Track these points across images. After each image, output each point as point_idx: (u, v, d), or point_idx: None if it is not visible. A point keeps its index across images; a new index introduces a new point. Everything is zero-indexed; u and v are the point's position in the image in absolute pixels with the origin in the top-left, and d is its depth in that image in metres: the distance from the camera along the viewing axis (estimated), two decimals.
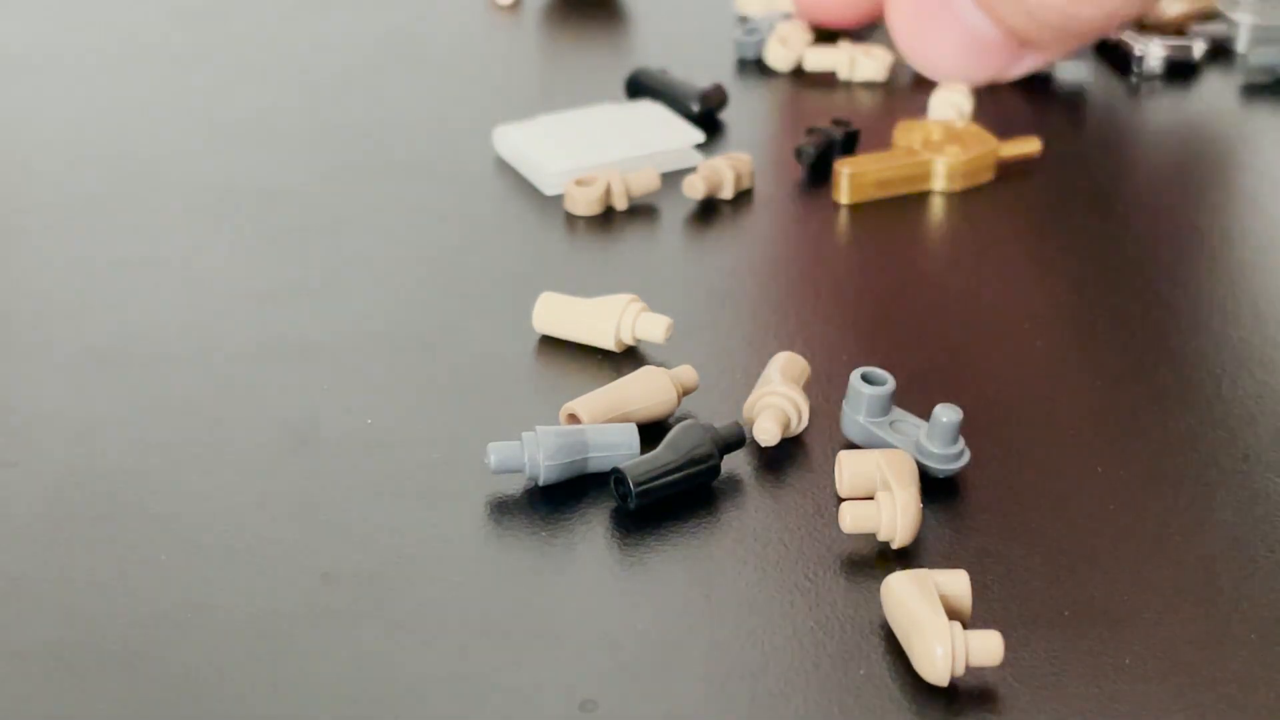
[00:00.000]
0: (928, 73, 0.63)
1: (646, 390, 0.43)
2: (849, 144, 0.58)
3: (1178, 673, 0.36)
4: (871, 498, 0.39)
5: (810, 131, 0.58)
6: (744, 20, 0.70)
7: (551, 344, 0.47)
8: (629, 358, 0.46)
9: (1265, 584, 0.38)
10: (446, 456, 0.42)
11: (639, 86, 0.62)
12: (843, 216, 0.55)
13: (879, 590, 0.37)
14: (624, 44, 0.70)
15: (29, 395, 0.44)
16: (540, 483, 0.41)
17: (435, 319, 0.48)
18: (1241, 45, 0.68)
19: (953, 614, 0.36)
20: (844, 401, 0.43)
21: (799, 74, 0.66)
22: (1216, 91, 0.66)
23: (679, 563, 0.39)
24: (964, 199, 0.56)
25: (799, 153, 0.57)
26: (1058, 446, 0.43)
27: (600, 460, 0.41)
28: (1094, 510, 0.41)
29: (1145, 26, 0.67)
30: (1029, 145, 0.58)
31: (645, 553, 0.39)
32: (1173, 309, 0.51)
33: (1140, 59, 0.66)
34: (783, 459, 0.42)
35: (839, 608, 0.37)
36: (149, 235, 0.53)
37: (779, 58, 0.65)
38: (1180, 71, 0.67)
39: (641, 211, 0.55)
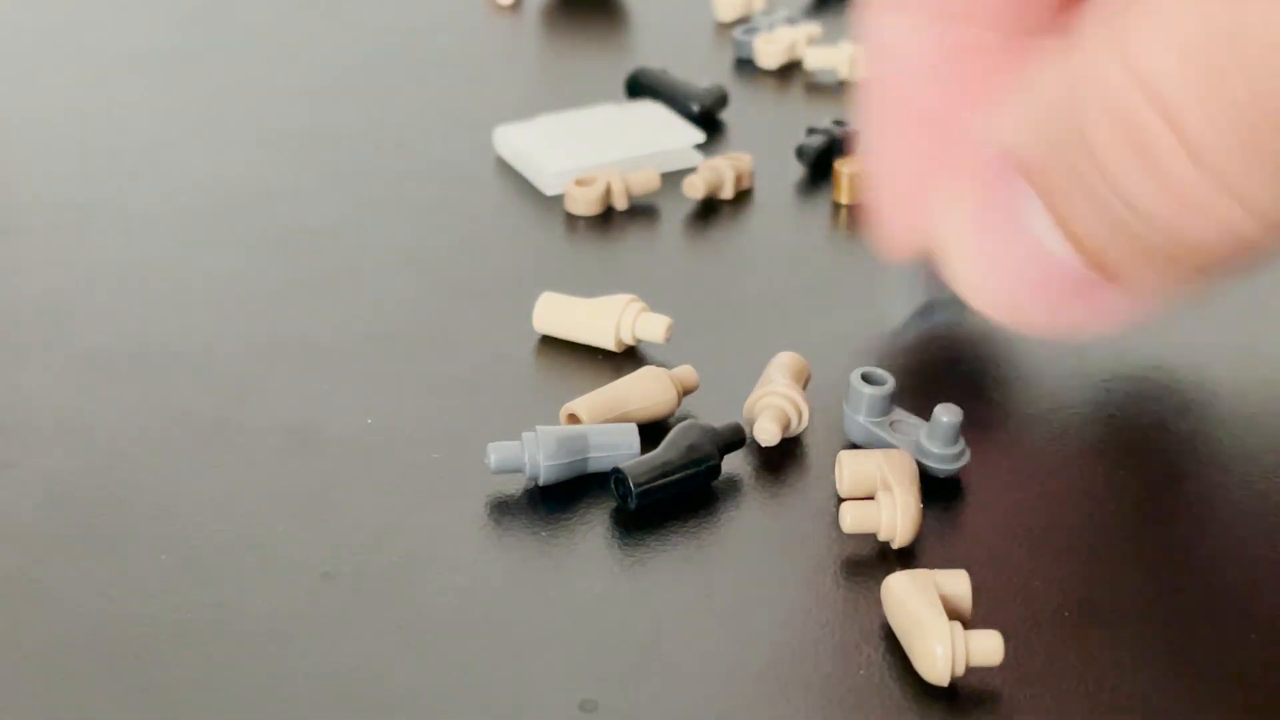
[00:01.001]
0: (991, 310, 0.49)
1: (646, 390, 0.43)
2: (849, 144, 0.58)
3: (1178, 673, 0.36)
4: (871, 498, 0.39)
5: (810, 131, 0.58)
6: (742, 21, 0.70)
7: (551, 344, 0.47)
8: (629, 358, 0.46)
9: (1265, 584, 0.38)
10: (446, 456, 0.42)
11: (639, 86, 0.62)
12: (843, 216, 0.55)
13: (879, 590, 0.37)
14: (624, 44, 0.70)
15: (29, 395, 0.44)
16: (540, 483, 0.41)
17: (435, 319, 0.48)
18: None
19: (953, 614, 0.36)
20: (844, 401, 0.43)
21: (799, 74, 0.66)
22: None
23: (679, 563, 0.39)
24: None
25: (799, 152, 0.57)
26: (1058, 446, 0.43)
27: (600, 460, 0.41)
28: (1094, 510, 0.41)
29: None
30: None
31: (645, 553, 0.39)
32: (1173, 310, 0.50)
33: None
34: (783, 459, 0.42)
35: (839, 608, 0.37)
36: (149, 235, 0.53)
37: (767, 56, 0.65)
38: None
39: (641, 211, 0.55)
